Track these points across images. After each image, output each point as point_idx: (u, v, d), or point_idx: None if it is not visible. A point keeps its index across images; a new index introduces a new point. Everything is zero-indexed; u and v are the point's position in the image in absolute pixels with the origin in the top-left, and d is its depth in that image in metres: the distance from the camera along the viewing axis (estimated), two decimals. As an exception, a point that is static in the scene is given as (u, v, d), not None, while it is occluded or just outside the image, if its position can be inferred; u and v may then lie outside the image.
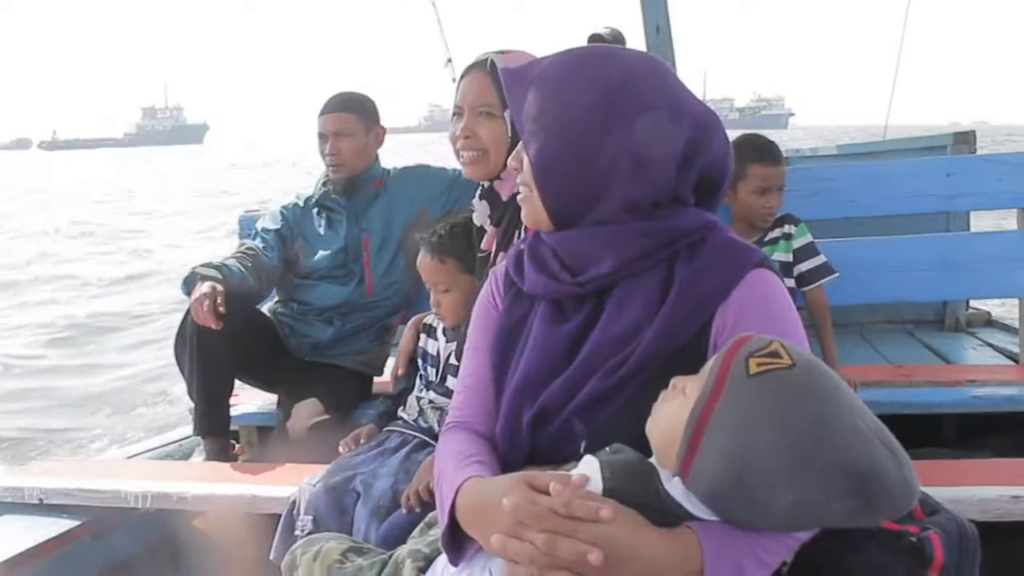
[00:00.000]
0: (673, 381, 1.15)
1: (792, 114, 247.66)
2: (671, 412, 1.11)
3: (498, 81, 1.92)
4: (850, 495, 0.97)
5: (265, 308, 3.11)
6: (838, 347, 3.36)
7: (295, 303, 3.04)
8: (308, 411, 2.69)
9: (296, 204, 3.08)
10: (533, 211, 1.34)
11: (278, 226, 3.02)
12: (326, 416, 2.68)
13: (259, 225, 3.06)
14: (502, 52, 1.95)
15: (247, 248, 2.94)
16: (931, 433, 2.98)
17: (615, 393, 1.24)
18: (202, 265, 2.72)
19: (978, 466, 2.23)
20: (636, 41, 4.90)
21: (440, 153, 3.19)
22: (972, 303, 3.93)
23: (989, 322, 3.76)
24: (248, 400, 3.09)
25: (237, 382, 2.94)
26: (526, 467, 1.28)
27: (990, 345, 3.42)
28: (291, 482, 2.22)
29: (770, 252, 2.75)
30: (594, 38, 5.01)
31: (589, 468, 1.12)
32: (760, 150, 2.72)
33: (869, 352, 3.40)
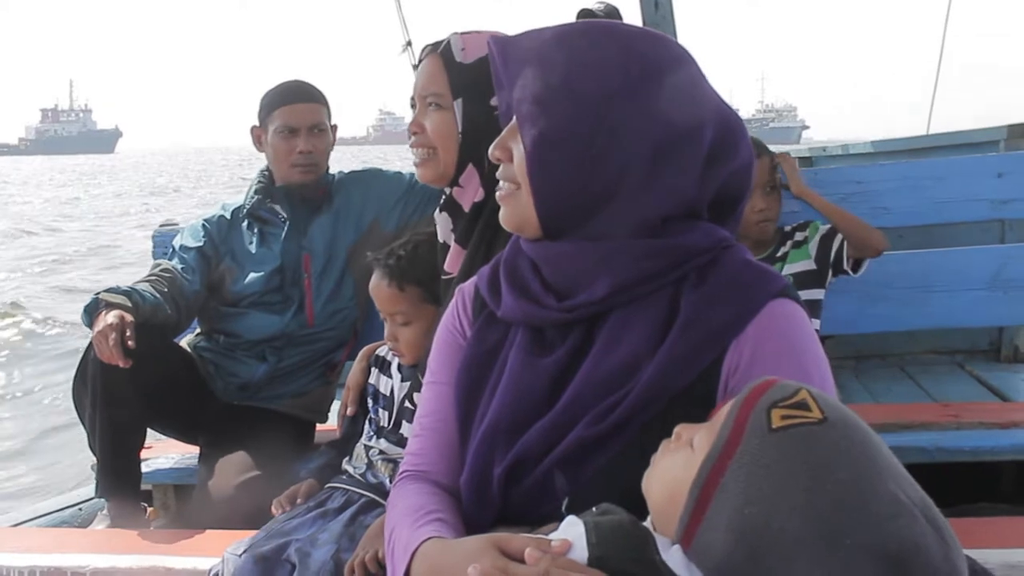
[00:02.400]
0: (677, 429, 1.12)
1: (806, 127, 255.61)
2: (674, 467, 1.09)
3: (450, 66, 1.91)
4: None
5: (184, 342, 3.07)
6: (874, 383, 3.38)
7: (221, 336, 3.00)
8: (235, 467, 2.64)
9: (222, 216, 3.04)
10: (517, 212, 1.31)
11: (200, 243, 2.98)
12: (256, 472, 2.63)
13: (176, 243, 3.02)
14: (464, 33, 1.94)
15: (162, 270, 2.90)
16: (986, 484, 2.96)
17: (605, 442, 1.22)
18: (107, 290, 2.68)
19: None
20: (631, 16, 4.94)
21: (398, 168, 3.16)
22: None
23: None
24: (163, 453, 3.04)
25: (150, 432, 2.90)
26: (495, 528, 1.26)
27: None
28: (213, 552, 2.17)
29: (786, 267, 2.75)
30: (584, 13, 5.04)
31: (572, 532, 1.09)
32: None
33: (910, 388, 3.39)
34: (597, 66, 1.24)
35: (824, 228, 2.79)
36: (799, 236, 2.80)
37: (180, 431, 2.98)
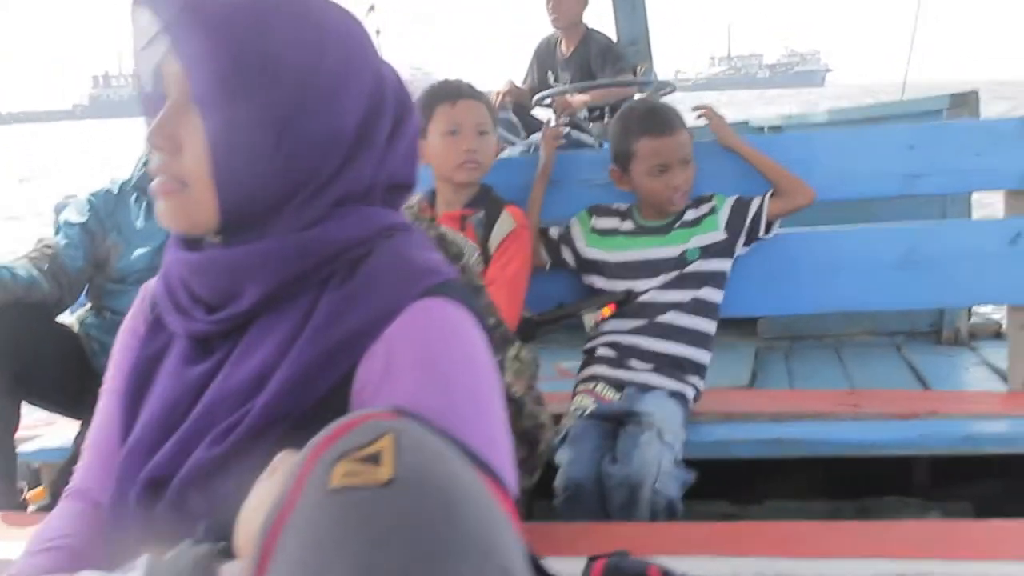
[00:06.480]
0: (275, 461, 0.93)
1: (829, 70, 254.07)
2: (258, 506, 0.92)
3: None
4: None
5: (75, 317, 2.98)
6: (801, 366, 3.19)
7: (108, 312, 2.89)
8: None
9: (108, 191, 2.93)
10: (188, 213, 1.09)
11: (84, 219, 2.86)
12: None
13: (62, 218, 2.91)
14: None
15: (44, 246, 2.80)
16: (898, 476, 2.77)
17: (229, 464, 1.05)
18: None
19: (948, 529, 1.99)
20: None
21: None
22: (981, 310, 3.69)
23: (998, 334, 3.50)
24: (55, 433, 2.97)
25: (47, 413, 2.83)
26: (139, 548, 1.12)
27: (989, 365, 3.18)
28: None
29: (692, 236, 2.54)
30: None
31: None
32: (646, 119, 2.54)
33: (833, 373, 3.18)
34: (296, 43, 1.05)
35: (732, 198, 2.58)
36: (704, 208, 2.59)
37: (64, 408, 2.88)
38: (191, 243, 1.16)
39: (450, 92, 2.47)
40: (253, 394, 1.05)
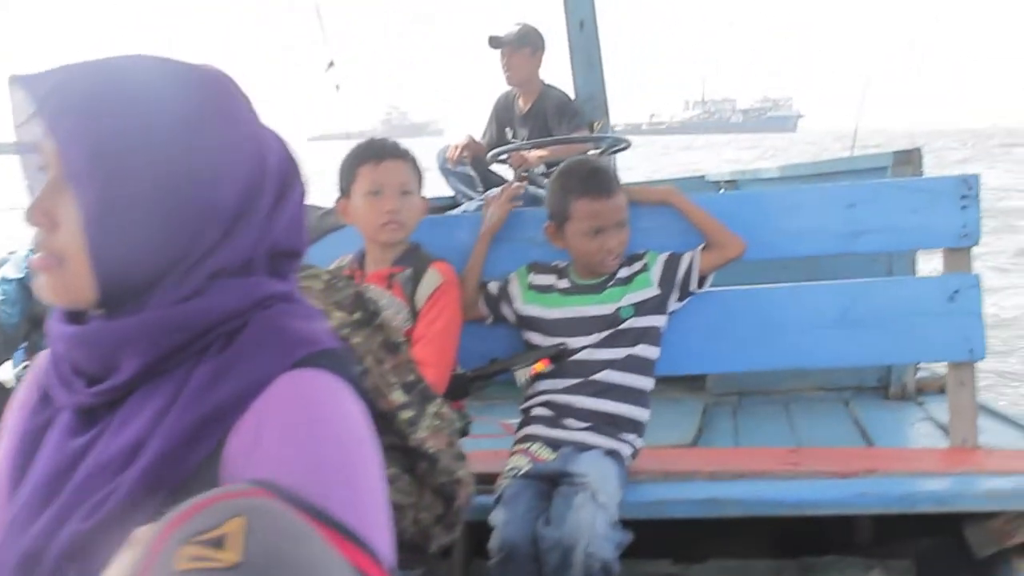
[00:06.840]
0: (140, 530, 0.91)
1: (801, 116, 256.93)
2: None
3: None
4: None
5: (13, 374, 2.96)
6: (748, 422, 3.18)
7: (44, 367, 2.88)
8: None
9: None
10: (66, 288, 1.07)
11: (21, 275, 2.86)
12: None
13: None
14: None
15: None
16: (840, 534, 2.75)
17: (104, 534, 1.02)
18: None
19: None
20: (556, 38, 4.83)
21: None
22: (929, 365, 3.69)
23: (943, 389, 3.50)
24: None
25: None
26: None
27: (933, 420, 3.18)
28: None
29: (625, 294, 2.52)
30: (494, 42, 4.89)
31: None
32: (585, 181, 2.52)
33: (779, 429, 3.16)
34: (167, 120, 1.05)
35: (663, 255, 2.58)
36: (637, 265, 2.59)
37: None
38: (75, 315, 1.15)
39: (374, 152, 2.44)
40: (126, 466, 1.03)
